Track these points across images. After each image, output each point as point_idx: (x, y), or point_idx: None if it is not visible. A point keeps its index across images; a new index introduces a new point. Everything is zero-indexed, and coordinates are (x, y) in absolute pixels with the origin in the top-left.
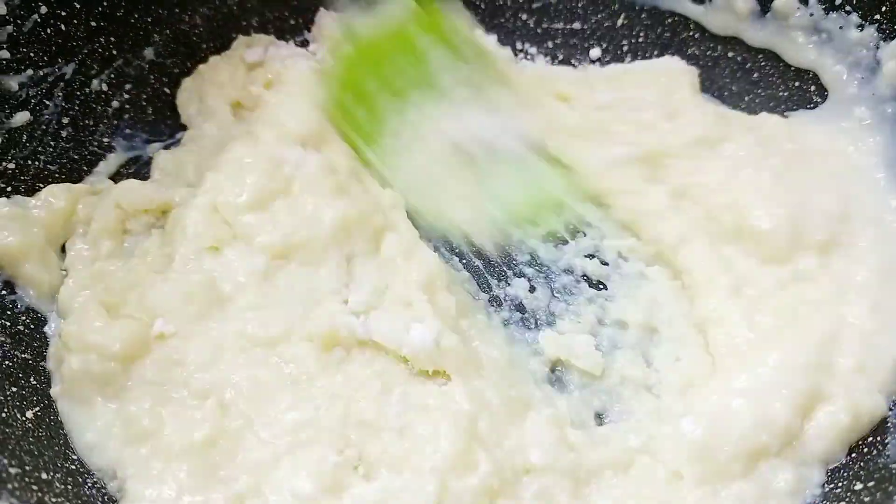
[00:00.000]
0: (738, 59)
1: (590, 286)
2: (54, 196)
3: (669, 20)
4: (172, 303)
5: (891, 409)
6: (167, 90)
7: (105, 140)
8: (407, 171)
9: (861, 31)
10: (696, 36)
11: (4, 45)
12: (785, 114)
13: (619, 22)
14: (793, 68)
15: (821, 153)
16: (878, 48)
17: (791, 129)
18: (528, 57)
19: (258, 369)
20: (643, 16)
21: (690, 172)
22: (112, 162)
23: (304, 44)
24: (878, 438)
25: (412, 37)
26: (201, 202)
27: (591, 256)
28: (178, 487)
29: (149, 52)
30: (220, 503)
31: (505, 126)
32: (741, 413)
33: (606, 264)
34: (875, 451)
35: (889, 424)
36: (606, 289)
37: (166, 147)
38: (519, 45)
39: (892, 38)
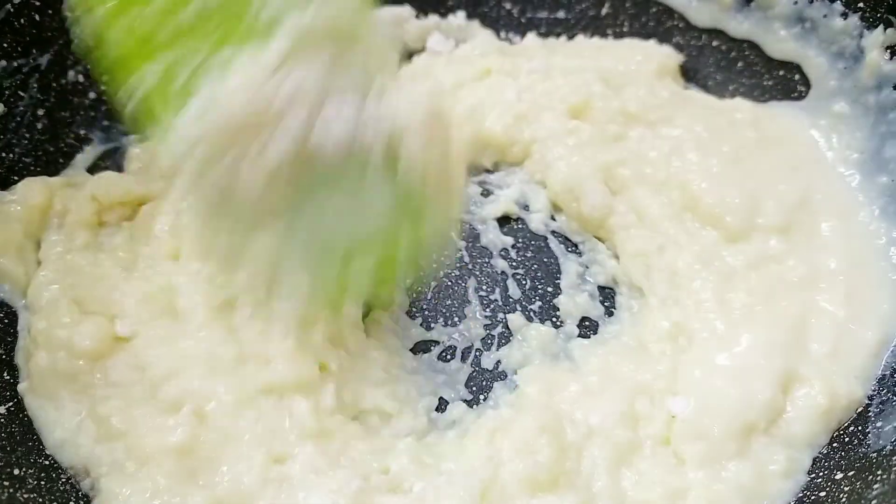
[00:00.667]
0: (723, 48)
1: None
2: (30, 190)
3: (654, 9)
4: (130, 305)
5: (870, 399)
6: None
7: (82, 132)
8: None
9: (845, 19)
10: (681, 25)
11: None
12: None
13: (604, 11)
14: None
15: (787, 142)
16: (861, 37)
17: (759, 116)
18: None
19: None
20: (627, 4)
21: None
22: (89, 154)
23: None
24: (859, 428)
25: None
26: (169, 206)
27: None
28: (153, 488)
29: None
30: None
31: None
32: (726, 390)
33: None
34: (856, 441)
35: (870, 413)
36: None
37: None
38: (503, 35)
39: (876, 27)
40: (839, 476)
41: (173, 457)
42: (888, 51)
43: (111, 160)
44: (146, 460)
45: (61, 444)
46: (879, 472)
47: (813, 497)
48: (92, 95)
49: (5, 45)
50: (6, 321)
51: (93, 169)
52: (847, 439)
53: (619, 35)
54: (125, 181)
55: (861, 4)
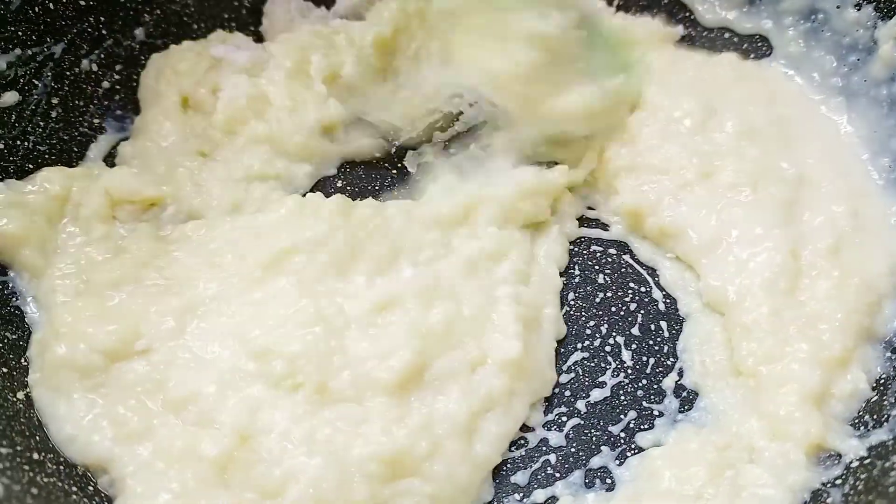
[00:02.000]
0: (735, 39)
1: None
2: (49, 181)
3: (666, 2)
4: (150, 316)
5: (886, 387)
6: None
7: (95, 121)
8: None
9: (858, 10)
10: (692, 18)
11: None
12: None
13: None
14: None
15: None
16: (875, 28)
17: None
18: None
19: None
20: None
21: None
22: (103, 144)
23: None
24: (874, 417)
25: None
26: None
27: None
28: (182, 489)
29: (139, 33)
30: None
31: None
32: None
33: None
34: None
35: (885, 402)
36: None
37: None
38: None
39: (891, 17)
40: (855, 465)
41: (206, 464)
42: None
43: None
44: (175, 462)
45: (71, 441)
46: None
47: (829, 483)
48: (105, 84)
49: (20, 33)
50: (22, 309)
51: (108, 158)
52: (863, 427)
53: None
54: (137, 181)
55: None
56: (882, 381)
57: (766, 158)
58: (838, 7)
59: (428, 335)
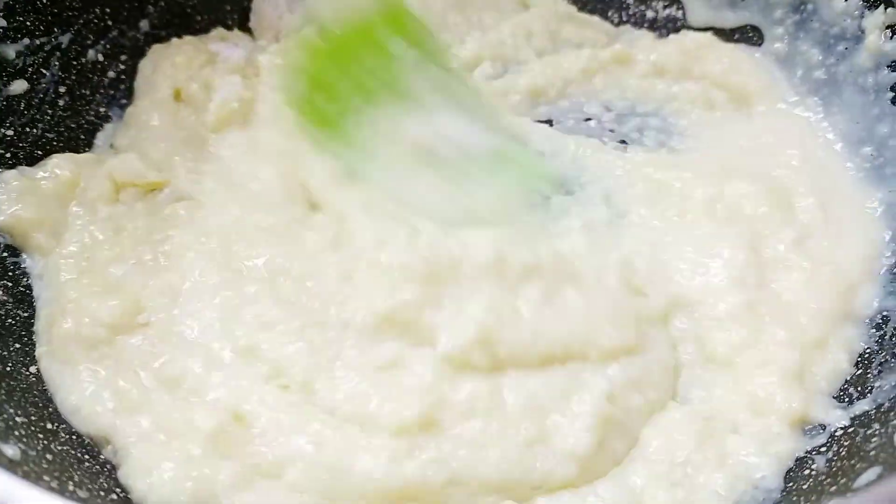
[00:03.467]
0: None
1: None
2: (59, 167)
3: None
4: (150, 294)
5: (870, 360)
6: None
7: (101, 109)
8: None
9: (846, 1)
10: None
11: (0, 14)
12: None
13: None
14: None
15: None
16: (862, 17)
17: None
18: None
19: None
20: None
21: None
22: (109, 131)
23: None
24: (858, 389)
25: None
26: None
27: None
28: (185, 457)
29: (144, 24)
30: (232, 472)
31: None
32: None
33: None
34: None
35: (869, 375)
36: None
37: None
38: None
39: (877, 7)
40: (839, 433)
41: (202, 436)
42: (889, 30)
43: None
44: (176, 434)
45: (76, 411)
46: (877, 426)
47: (814, 450)
48: (111, 74)
49: (28, 23)
50: (33, 287)
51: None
52: (848, 399)
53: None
54: (141, 165)
55: None
56: (866, 355)
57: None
58: None
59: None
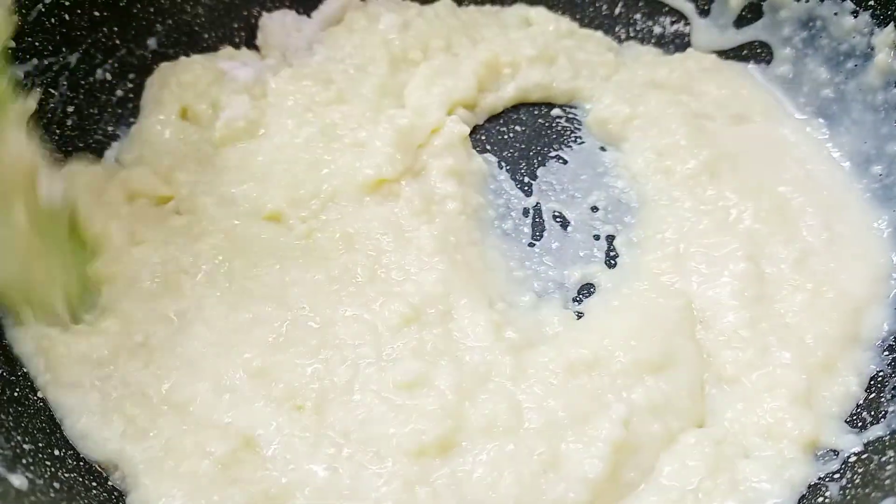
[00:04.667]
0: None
1: None
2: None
3: (666, 8)
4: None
5: (883, 384)
6: None
7: (109, 128)
8: None
9: (855, 17)
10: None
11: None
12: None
13: (616, 11)
14: None
15: None
16: (872, 34)
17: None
18: None
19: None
20: (640, 3)
21: None
22: (117, 150)
23: None
24: (872, 413)
25: None
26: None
27: None
28: (194, 486)
29: (152, 42)
30: (241, 499)
31: None
32: None
33: None
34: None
35: (882, 399)
36: None
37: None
38: None
39: (887, 24)
40: (853, 459)
41: (213, 462)
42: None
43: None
44: (186, 459)
45: (84, 436)
46: (891, 453)
47: (827, 477)
48: (119, 93)
49: (36, 44)
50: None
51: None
52: (861, 423)
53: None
54: (155, 179)
55: (871, 2)
56: (879, 378)
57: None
58: (836, 14)
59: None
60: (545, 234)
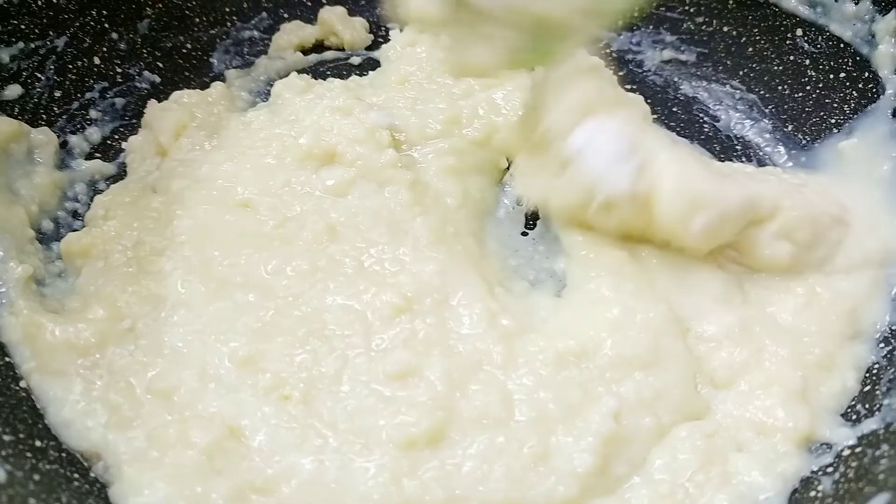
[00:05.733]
0: (733, 33)
1: None
2: None
3: None
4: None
5: (878, 377)
6: (160, 64)
7: (97, 114)
8: None
9: (857, 4)
10: (692, 10)
11: None
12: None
13: None
14: (788, 43)
15: None
16: (873, 21)
17: None
18: None
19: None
20: None
21: None
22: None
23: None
24: (867, 406)
25: None
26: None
27: None
28: (178, 475)
29: (142, 26)
30: (226, 489)
31: None
32: None
33: None
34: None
35: (877, 392)
36: None
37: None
38: None
39: (888, 11)
40: (846, 453)
41: (197, 452)
42: None
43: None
44: (170, 449)
45: (67, 425)
46: (886, 447)
47: (820, 471)
48: (108, 77)
49: (23, 27)
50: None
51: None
52: (855, 417)
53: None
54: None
55: None
56: (874, 370)
57: None
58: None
59: None
60: (538, 222)
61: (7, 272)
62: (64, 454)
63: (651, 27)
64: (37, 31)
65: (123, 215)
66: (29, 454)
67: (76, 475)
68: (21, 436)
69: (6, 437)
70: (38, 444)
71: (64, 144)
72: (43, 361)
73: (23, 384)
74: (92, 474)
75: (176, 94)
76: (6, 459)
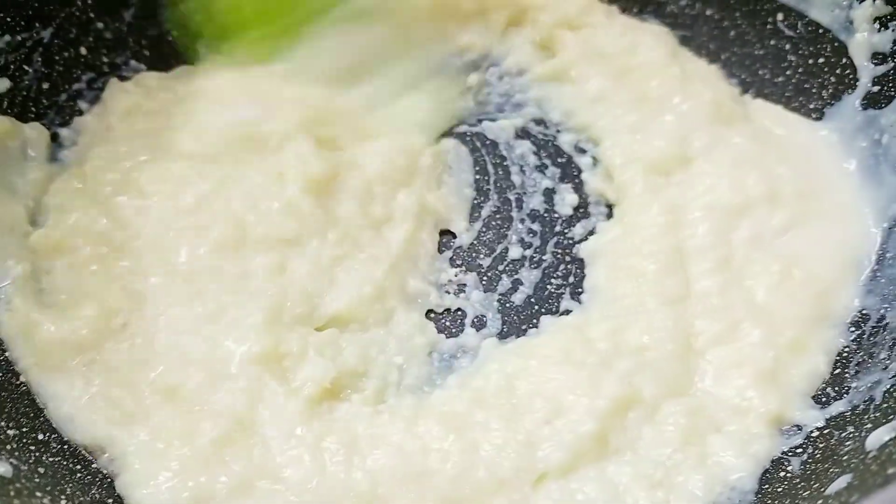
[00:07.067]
0: (716, 17)
1: None
2: None
3: None
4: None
5: (847, 361)
6: (147, 52)
7: (85, 106)
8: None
9: None
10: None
11: None
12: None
13: None
14: (769, 27)
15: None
16: (850, 8)
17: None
18: None
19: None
20: None
21: None
22: None
23: None
24: (836, 389)
25: None
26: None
27: None
28: (183, 466)
29: (127, 15)
30: (232, 478)
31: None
32: None
33: None
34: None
35: (846, 374)
36: None
37: None
38: None
39: None
40: (815, 434)
41: (205, 443)
42: (876, 22)
43: None
44: (174, 440)
45: (70, 420)
46: (851, 429)
47: (790, 452)
48: (95, 68)
49: (8, 19)
50: None
51: None
52: (825, 399)
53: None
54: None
55: None
56: (844, 354)
57: None
58: None
59: None
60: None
61: (5, 270)
62: (66, 447)
63: (635, 10)
64: (22, 23)
65: (83, 205)
66: (32, 447)
67: (79, 467)
68: (24, 429)
69: (10, 432)
70: (40, 437)
71: (55, 137)
72: (41, 358)
73: (23, 379)
74: (95, 465)
75: (139, 77)
76: (11, 454)
